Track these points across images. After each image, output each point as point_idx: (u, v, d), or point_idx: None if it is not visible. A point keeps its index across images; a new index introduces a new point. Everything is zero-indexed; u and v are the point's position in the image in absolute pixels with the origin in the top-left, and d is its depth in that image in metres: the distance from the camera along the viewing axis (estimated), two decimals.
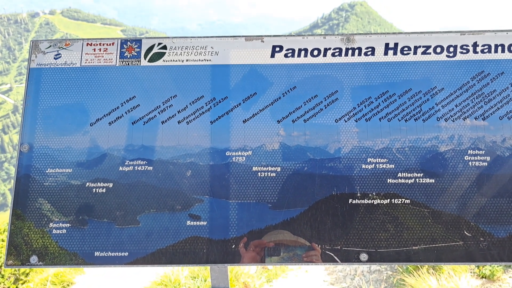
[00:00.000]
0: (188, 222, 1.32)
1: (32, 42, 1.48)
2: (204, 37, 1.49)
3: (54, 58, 1.45)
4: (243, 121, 1.40)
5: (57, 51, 1.46)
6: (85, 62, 1.45)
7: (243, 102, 1.42)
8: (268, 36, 1.49)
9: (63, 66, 1.45)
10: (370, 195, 1.32)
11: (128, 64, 1.45)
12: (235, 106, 1.42)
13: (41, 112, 1.41)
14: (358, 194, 1.32)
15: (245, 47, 1.48)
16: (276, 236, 1.30)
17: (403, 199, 1.31)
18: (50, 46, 1.47)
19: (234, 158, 1.37)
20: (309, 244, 1.29)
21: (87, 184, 1.35)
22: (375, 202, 1.31)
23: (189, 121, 1.40)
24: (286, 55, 1.47)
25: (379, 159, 1.34)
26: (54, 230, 1.31)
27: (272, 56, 1.47)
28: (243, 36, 1.50)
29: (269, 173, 1.35)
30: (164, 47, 1.47)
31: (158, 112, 1.41)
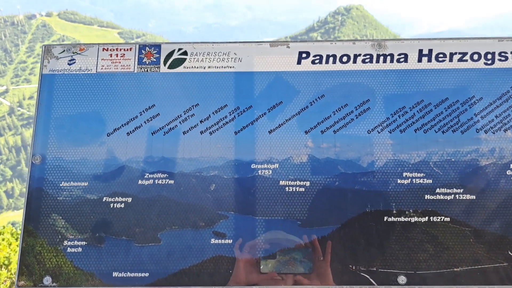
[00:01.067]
0: (213, 240, 1.23)
1: (44, 47, 1.39)
2: (226, 42, 1.41)
3: (68, 64, 1.37)
4: (269, 131, 1.32)
5: (71, 56, 1.37)
6: (101, 68, 1.36)
7: (269, 111, 1.34)
8: (294, 41, 1.41)
9: (77, 72, 1.36)
10: (407, 212, 1.23)
11: (147, 70, 1.37)
12: (260, 115, 1.33)
13: (54, 121, 1.32)
14: (394, 211, 1.24)
15: (270, 53, 1.40)
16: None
17: (443, 217, 1.23)
18: (64, 51, 1.38)
19: (260, 171, 1.29)
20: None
21: (104, 198, 1.26)
22: (413, 220, 1.23)
23: (212, 131, 1.32)
24: (313, 62, 1.39)
25: (416, 174, 1.26)
26: (68, 248, 1.22)
27: (299, 62, 1.39)
28: (267, 41, 1.42)
29: (297, 188, 1.27)
30: (185, 53, 1.39)
31: (179, 122, 1.33)
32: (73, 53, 1.38)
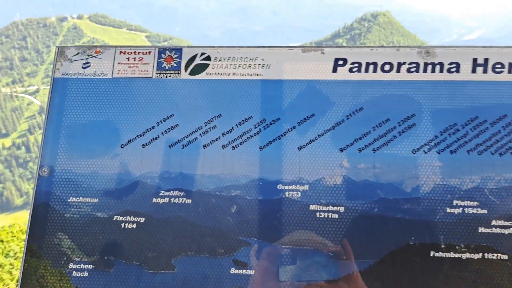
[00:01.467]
0: (232, 270, 1.09)
1: (58, 48, 1.29)
2: (254, 47, 1.28)
3: (82, 67, 1.26)
4: (298, 148, 1.18)
5: (86, 59, 1.27)
6: (117, 73, 1.25)
7: (298, 125, 1.19)
8: (329, 47, 1.27)
9: (92, 76, 1.25)
10: (457, 247, 1.07)
11: (167, 76, 1.25)
12: (288, 129, 1.19)
13: (65, 129, 1.21)
14: (442, 246, 1.07)
15: (302, 60, 1.25)
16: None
17: (499, 254, 1.05)
18: (78, 53, 1.28)
19: (287, 193, 1.14)
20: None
21: (115, 217, 1.14)
22: (464, 256, 1.06)
23: (235, 145, 1.19)
24: (351, 70, 1.24)
25: (468, 202, 1.09)
26: (74, 272, 1.11)
27: (334, 70, 1.24)
28: (299, 46, 1.28)
29: (330, 214, 1.12)
30: (208, 58, 1.26)
31: (200, 134, 1.20)
32: (88, 55, 1.27)
